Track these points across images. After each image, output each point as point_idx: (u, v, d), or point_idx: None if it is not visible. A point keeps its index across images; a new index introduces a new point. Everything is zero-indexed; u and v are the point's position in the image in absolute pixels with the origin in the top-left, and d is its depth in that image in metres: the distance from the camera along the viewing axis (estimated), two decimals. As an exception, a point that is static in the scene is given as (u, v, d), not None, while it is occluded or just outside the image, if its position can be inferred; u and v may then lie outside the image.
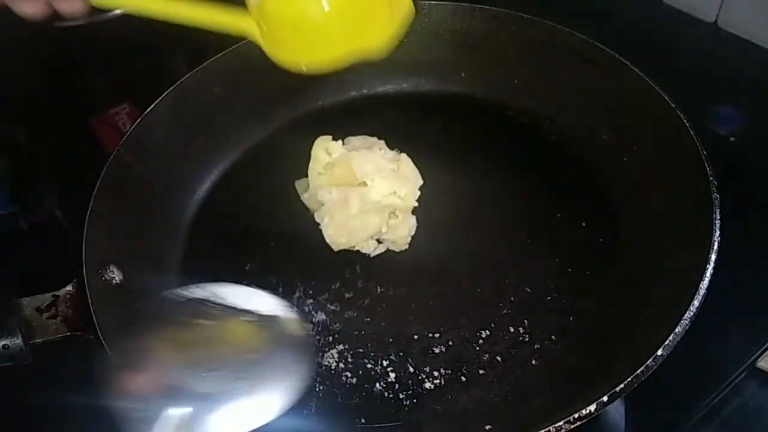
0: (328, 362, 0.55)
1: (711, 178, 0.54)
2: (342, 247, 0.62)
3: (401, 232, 0.62)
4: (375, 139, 0.67)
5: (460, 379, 0.54)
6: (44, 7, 0.35)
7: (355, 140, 0.67)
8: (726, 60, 0.84)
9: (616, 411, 0.55)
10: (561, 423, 0.42)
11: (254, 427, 0.39)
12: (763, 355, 0.56)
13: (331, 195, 0.62)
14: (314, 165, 0.64)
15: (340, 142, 0.65)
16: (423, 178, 0.65)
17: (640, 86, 0.63)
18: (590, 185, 0.66)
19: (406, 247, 0.63)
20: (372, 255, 0.62)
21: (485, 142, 0.72)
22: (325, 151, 0.64)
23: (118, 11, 0.92)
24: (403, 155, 0.64)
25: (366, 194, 0.61)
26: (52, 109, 0.91)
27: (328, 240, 0.61)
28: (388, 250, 0.63)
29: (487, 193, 0.67)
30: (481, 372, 0.54)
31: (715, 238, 0.50)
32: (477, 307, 0.58)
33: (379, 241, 0.63)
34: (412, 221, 0.63)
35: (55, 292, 0.53)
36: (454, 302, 0.59)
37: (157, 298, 0.48)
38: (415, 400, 0.53)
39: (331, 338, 0.57)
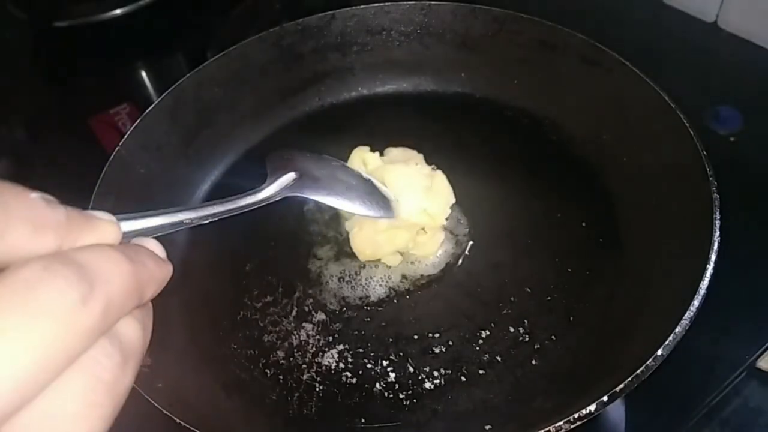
0: (328, 362, 0.55)
1: (711, 178, 0.53)
2: (368, 259, 0.61)
3: (428, 249, 0.62)
4: (414, 152, 0.65)
5: (460, 379, 0.54)
6: None
7: (394, 151, 0.66)
8: (726, 60, 0.84)
9: (616, 411, 0.55)
10: (561, 423, 0.42)
11: None
12: (763, 355, 0.56)
13: None
14: None
15: (377, 153, 0.64)
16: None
17: (640, 86, 0.63)
18: (590, 185, 0.66)
19: (436, 258, 0.62)
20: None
21: (485, 142, 0.72)
22: (362, 161, 0.63)
23: (118, 11, 0.92)
24: (439, 172, 0.63)
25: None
26: (52, 109, 0.91)
27: (354, 250, 0.61)
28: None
29: (486, 193, 0.67)
30: (481, 372, 0.54)
31: (715, 238, 0.50)
32: (477, 307, 0.58)
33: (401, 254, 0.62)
34: (441, 237, 0.62)
35: (55, 292, 0.53)
36: (454, 302, 0.59)
37: None
38: (415, 400, 0.53)
39: (331, 338, 0.57)
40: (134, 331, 0.26)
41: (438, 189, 0.62)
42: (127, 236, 0.30)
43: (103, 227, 0.26)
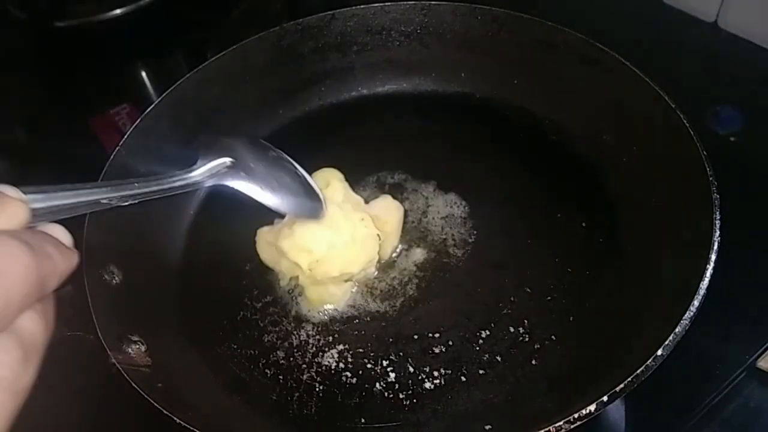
0: (328, 362, 0.55)
1: (711, 178, 0.53)
2: (266, 263, 0.61)
3: (313, 296, 0.59)
4: (396, 205, 0.63)
5: (460, 379, 0.54)
6: None
7: (379, 201, 0.64)
8: (726, 60, 0.84)
9: (616, 411, 0.55)
10: (561, 423, 0.42)
11: None
12: (763, 355, 0.56)
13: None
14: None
15: (345, 186, 0.62)
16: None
17: (640, 86, 0.63)
18: (590, 185, 0.66)
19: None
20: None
21: (485, 142, 0.72)
22: (326, 182, 0.61)
23: (118, 11, 0.92)
24: (374, 237, 0.59)
25: (287, 234, 0.58)
26: (52, 109, 0.91)
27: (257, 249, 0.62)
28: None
29: (486, 193, 0.67)
30: (481, 372, 0.54)
31: (715, 238, 0.50)
32: (477, 307, 0.58)
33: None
34: (332, 292, 0.59)
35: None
36: (454, 302, 0.59)
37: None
38: (415, 400, 0.53)
39: (331, 338, 0.57)
40: (35, 325, 0.25)
41: (353, 249, 0.58)
42: (37, 214, 0.28)
43: (11, 209, 0.25)
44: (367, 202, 0.63)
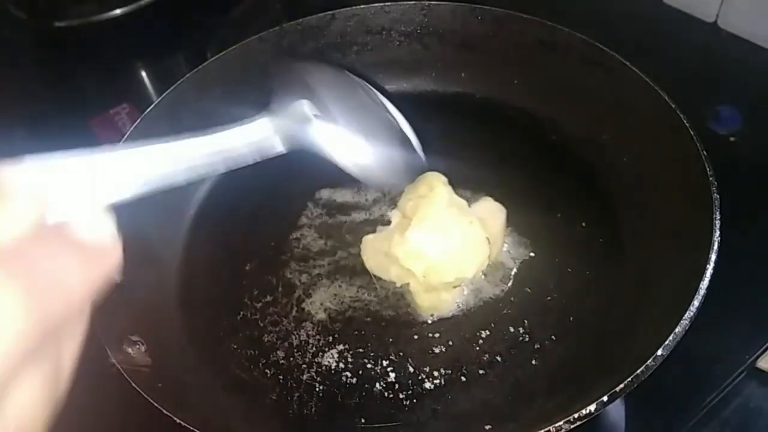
0: (328, 362, 0.55)
1: (711, 178, 0.53)
2: (372, 271, 0.61)
3: (423, 302, 0.58)
4: (500, 208, 0.62)
5: (460, 379, 0.54)
6: None
7: (482, 204, 0.62)
8: (726, 60, 0.84)
9: (616, 411, 0.55)
10: (561, 423, 0.42)
11: None
12: (763, 355, 0.56)
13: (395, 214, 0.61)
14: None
15: (449, 188, 0.60)
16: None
17: (640, 86, 0.63)
18: (590, 185, 0.66)
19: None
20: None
21: (485, 143, 0.72)
22: (429, 187, 0.59)
23: (118, 11, 0.92)
24: (485, 245, 0.57)
25: (400, 242, 0.56)
26: (52, 109, 0.91)
27: (363, 258, 0.61)
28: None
29: (486, 193, 0.67)
30: (481, 372, 0.54)
31: (715, 238, 0.50)
32: (477, 307, 0.58)
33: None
34: (445, 298, 0.58)
35: (55, 292, 0.53)
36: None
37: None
38: (415, 400, 0.53)
39: (331, 338, 0.57)
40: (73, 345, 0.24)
41: (466, 254, 0.56)
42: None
43: (17, 208, 0.22)
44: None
